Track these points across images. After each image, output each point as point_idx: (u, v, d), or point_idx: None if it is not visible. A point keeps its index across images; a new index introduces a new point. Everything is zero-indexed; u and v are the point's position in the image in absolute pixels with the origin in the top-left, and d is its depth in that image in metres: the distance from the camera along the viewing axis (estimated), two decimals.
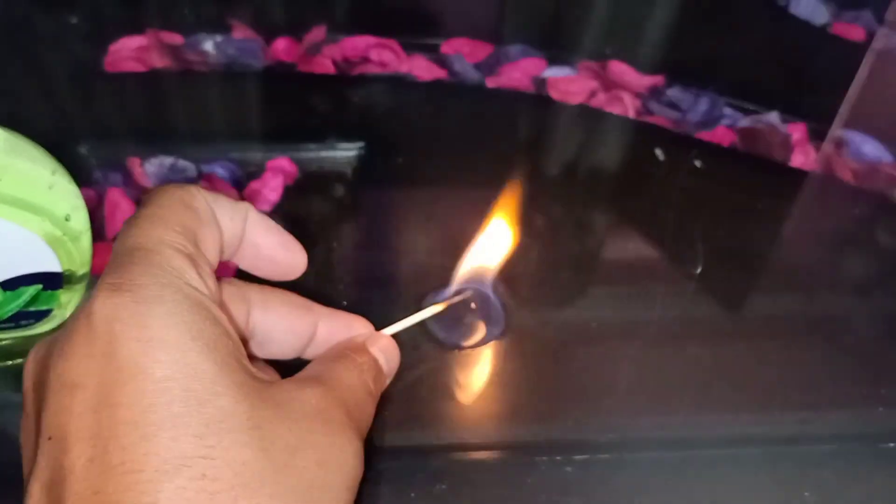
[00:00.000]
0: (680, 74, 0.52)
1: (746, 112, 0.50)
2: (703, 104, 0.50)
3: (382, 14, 0.57)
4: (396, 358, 0.30)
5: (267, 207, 0.42)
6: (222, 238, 0.26)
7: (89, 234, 0.33)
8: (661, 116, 0.50)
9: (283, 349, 0.29)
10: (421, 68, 0.52)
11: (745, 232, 0.43)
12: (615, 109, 0.50)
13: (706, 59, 0.53)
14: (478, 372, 0.36)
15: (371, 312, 0.38)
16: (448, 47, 0.53)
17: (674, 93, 0.51)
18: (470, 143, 0.48)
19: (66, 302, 0.34)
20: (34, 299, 0.33)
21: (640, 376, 0.36)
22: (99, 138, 0.46)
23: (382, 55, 0.52)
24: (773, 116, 0.49)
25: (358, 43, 0.53)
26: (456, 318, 0.37)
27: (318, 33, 0.53)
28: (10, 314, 0.33)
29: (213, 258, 0.25)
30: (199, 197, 0.25)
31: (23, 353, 0.35)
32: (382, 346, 0.30)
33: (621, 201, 0.44)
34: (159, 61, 0.51)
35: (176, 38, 0.53)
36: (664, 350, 0.37)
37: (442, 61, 0.53)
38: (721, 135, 0.49)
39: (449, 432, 0.33)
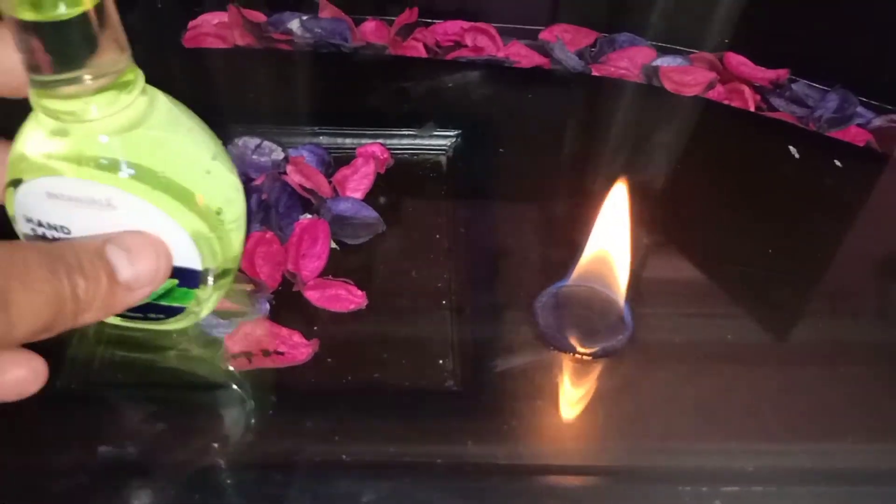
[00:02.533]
0: (804, 68, 0.47)
1: (881, 111, 0.45)
2: (833, 100, 0.45)
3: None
4: (154, 266, 0.21)
5: (359, 195, 0.39)
6: None
7: (243, 228, 0.29)
8: (786, 112, 0.45)
9: None
10: (519, 55, 0.48)
11: None
12: (735, 103, 0.45)
13: (832, 52, 0.48)
14: (600, 383, 0.31)
15: (477, 309, 0.34)
16: (548, 34, 0.49)
17: (799, 88, 0.46)
18: (576, 133, 0.44)
19: (205, 298, 0.30)
20: (167, 293, 0.28)
21: (788, 398, 0.31)
22: None
23: (478, 40, 0.49)
24: None
25: (451, 27, 0.50)
26: (573, 320, 0.33)
27: (409, 15, 0.49)
28: (138, 303, 0.28)
29: None
30: None
31: (149, 348, 0.32)
32: (128, 244, 0.21)
33: (752, 201, 0.40)
34: (241, 39, 0.48)
35: (259, 16, 0.50)
36: (814, 366, 0.33)
37: (541, 48, 0.49)
38: (854, 134, 0.44)
39: (571, 451, 0.29)
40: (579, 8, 0.52)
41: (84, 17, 0.22)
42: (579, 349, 0.32)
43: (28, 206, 0.26)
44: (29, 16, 0.22)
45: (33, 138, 0.25)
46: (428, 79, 0.46)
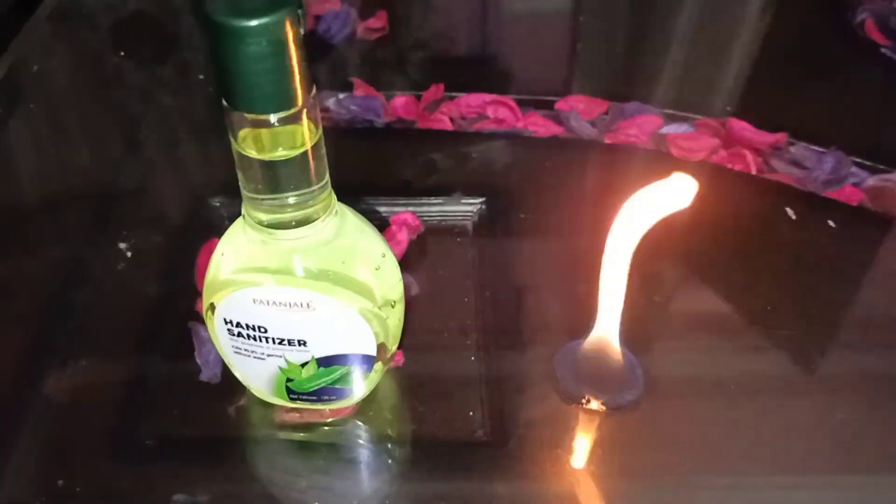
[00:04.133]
0: (801, 132, 0.51)
1: (874, 171, 0.49)
2: (829, 162, 0.49)
3: (497, 73, 0.58)
4: None
5: None
6: None
7: (402, 319, 0.33)
8: (785, 174, 0.49)
9: None
10: (537, 125, 0.52)
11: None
12: (737, 167, 0.49)
13: (829, 115, 0.52)
14: (617, 433, 0.35)
15: (502, 368, 0.38)
16: (563, 104, 0.54)
17: (797, 150, 0.50)
18: (592, 198, 0.48)
19: (371, 379, 0.34)
20: (343, 378, 0.33)
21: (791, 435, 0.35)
22: (229, 191, 0.48)
23: (499, 112, 0.53)
24: None
25: (474, 100, 0.54)
26: (589, 374, 0.36)
27: (436, 92, 0.54)
28: (314, 388, 0.33)
29: None
30: None
31: (314, 428, 0.36)
32: None
33: (752, 260, 0.43)
34: None
35: None
36: (809, 409, 0.36)
37: (557, 118, 0.53)
38: (849, 194, 0.48)
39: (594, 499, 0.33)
40: (593, 78, 0.57)
41: (298, 158, 0.27)
42: (594, 402, 0.35)
43: (231, 312, 0.30)
44: (252, 153, 0.26)
45: (237, 260, 0.29)
46: (454, 150, 0.50)
